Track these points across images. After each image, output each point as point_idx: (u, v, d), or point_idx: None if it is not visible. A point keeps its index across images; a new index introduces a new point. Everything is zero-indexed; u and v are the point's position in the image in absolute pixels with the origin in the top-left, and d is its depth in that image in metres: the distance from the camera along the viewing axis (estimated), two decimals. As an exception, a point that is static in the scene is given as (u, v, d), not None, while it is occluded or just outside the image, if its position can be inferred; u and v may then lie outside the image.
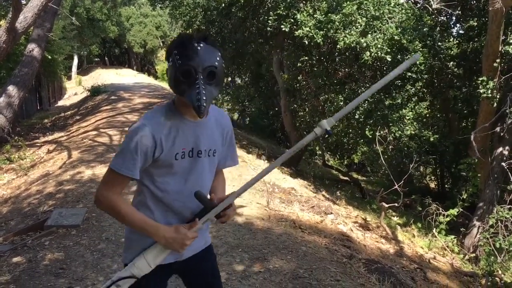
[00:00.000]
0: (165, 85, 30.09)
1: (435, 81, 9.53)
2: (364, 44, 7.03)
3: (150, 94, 20.61)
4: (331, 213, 6.88)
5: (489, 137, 9.40)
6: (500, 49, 7.73)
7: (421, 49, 7.82)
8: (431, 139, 8.68)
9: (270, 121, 17.18)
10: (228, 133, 1.95)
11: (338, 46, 7.18)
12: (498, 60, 7.76)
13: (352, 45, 7.16)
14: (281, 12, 8.10)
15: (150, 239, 1.77)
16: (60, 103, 24.58)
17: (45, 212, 5.90)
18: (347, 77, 8.86)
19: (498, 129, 8.99)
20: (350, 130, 9.07)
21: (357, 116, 8.34)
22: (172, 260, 1.86)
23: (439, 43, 8.47)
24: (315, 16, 7.62)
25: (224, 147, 1.95)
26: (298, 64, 9.17)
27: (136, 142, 1.66)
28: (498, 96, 7.80)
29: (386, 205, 7.88)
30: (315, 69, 8.95)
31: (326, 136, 12.54)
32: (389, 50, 7.15)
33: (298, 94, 10.28)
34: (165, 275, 1.93)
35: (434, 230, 8.63)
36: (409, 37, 7.32)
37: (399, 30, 7.18)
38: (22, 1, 9.88)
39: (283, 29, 8.08)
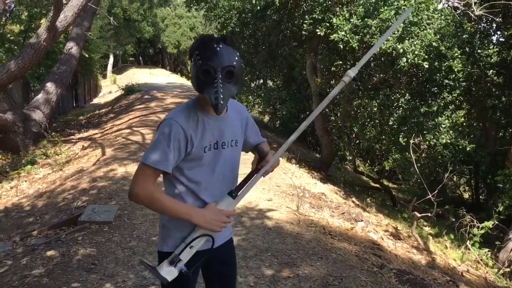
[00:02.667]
0: (197, 86, 30.27)
1: (473, 89, 9.28)
2: (401, 50, 6.90)
3: (182, 95, 20.82)
4: (362, 220, 6.77)
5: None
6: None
7: (459, 56, 7.64)
8: (467, 148, 8.45)
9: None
10: (245, 117, 2.08)
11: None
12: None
13: (389, 51, 7.04)
14: (316, 16, 8.05)
15: (188, 226, 1.86)
16: (95, 100, 25.14)
17: (79, 208, 6.03)
18: (381, 83, 8.73)
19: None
20: (383, 137, 8.92)
21: (391, 123, 8.20)
22: (207, 247, 1.92)
23: (479, 51, 8.25)
24: (351, 20, 7.53)
25: (246, 128, 2.09)
26: (332, 69, 9.09)
27: (170, 138, 1.76)
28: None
29: (419, 215, 7.70)
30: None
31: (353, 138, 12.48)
32: (426, 56, 7.00)
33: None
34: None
35: (467, 243, 8.40)
36: (448, 44, 7.15)
37: (438, 37, 7.01)
38: (63, 1, 10.11)
39: (318, 33, 8.02)
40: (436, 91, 8.27)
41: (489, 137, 12.88)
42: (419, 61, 6.89)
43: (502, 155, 12.59)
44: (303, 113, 16.39)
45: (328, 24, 8.08)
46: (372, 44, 7.29)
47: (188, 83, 31.63)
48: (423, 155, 9.99)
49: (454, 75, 7.93)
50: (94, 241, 4.79)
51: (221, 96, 1.68)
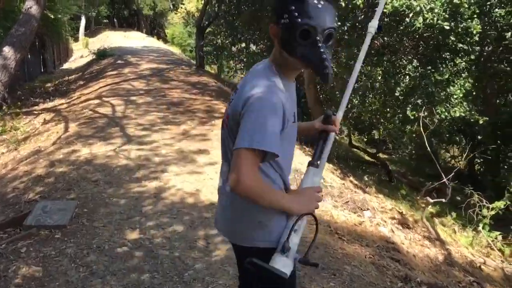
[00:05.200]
0: (174, 49, 28.76)
1: (485, 54, 8.25)
2: (417, 8, 5.79)
3: (159, 59, 19.40)
4: (368, 209, 5.83)
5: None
6: None
7: (477, 15, 6.58)
8: (480, 121, 7.49)
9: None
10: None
11: (384, 10, 5.96)
12: None
13: (401, 9, 5.92)
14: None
15: (283, 217, 1.67)
16: (66, 65, 23.41)
17: (30, 202, 4.90)
18: (384, 47, 7.64)
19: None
20: (387, 109, 7.90)
21: (397, 93, 7.16)
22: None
23: (496, 9, 7.17)
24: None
25: None
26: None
27: (277, 116, 1.55)
28: None
29: (431, 200, 6.79)
30: (346, 37, 7.71)
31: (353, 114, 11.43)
32: (447, 16, 5.90)
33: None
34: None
35: (479, 226, 7.58)
36: (467, 1, 6.03)
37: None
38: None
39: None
40: (448, 56, 7.23)
41: (490, 105, 12.02)
42: (439, 21, 5.79)
43: (503, 125, 11.75)
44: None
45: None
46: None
47: (165, 46, 29.93)
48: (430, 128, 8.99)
49: (469, 38, 6.88)
50: (42, 254, 3.70)
51: (330, 65, 1.50)
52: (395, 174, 11.87)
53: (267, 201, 1.57)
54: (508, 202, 7.87)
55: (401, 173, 12.70)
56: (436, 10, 5.70)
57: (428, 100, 6.98)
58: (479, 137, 13.54)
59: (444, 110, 6.97)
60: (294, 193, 1.70)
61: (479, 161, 14.34)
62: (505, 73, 8.46)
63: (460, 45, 7.02)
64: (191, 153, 6.68)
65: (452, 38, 6.92)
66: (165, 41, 38.38)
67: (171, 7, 41.28)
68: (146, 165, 5.98)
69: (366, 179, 9.21)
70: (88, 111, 9.19)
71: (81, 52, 27.09)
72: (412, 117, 7.01)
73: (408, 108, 7.09)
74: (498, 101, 13.16)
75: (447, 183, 6.55)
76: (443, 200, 6.80)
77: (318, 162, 1.74)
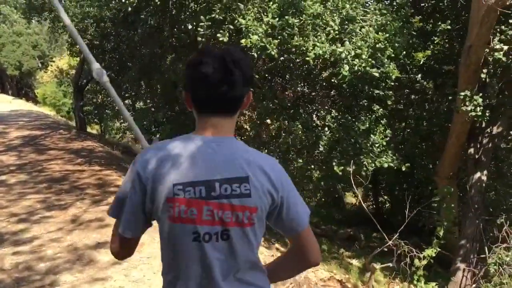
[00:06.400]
0: (48, 111, 26.19)
1: (399, 98, 8.00)
2: (343, 55, 5.16)
3: (31, 125, 17.11)
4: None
5: (457, 161, 8.14)
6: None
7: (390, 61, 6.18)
8: (403, 168, 7.06)
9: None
10: None
11: (307, 58, 5.24)
12: (485, 70, 6.42)
13: (326, 56, 5.25)
14: (217, 16, 5.97)
15: None
16: None
17: None
18: (298, 98, 6.98)
19: (471, 150, 7.73)
20: (312, 166, 7.16)
21: (321, 148, 6.45)
22: None
23: (413, 52, 6.89)
24: (266, 20, 5.62)
25: None
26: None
27: None
28: (488, 113, 6.40)
29: (377, 267, 6.06)
30: (258, 90, 6.93)
31: None
32: (373, 62, 5.35)
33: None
34: None
35: (414, 279, 7.02)
36: (396, 44, 5.58)
37: (385, 35, 5.39)
38: None
39: (221, 38, 5.96)
40: (365, 103, 6.76)
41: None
42: (367, 68, 5.21)
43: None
44: (182, 133, 14.15)
45: (231, 27, 6.06)
46: (301, 49, 5.43)
47: (37, 108, 27.17)
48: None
49: (384, 84, 6.48)
50: None
51: None
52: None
53: None
54: (438, 249, 7.44)
55: (314, 223, 12.10)
56: (364, 56, 5.13)
57: (354, 153, 6.38)
58: (380, 177, 13.51)
59: (370, 161, 6.39)
60: None
61: (385, 201, 14.32)
62: (427, 117, 8.31)
63: (377, 91, 6.59)
64: (88, 248, 5.19)
65: (367, 85, 6.48)
66: (36, 102, 35.25)
67: (39, 65, 38.37)
68: (28, 278, 4.43)
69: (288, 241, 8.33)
70: None
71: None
72: (339, 172, 6.32)
73: (334, 163, 6.41)
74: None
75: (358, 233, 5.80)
76: (390, 264, 6.07)
77: None
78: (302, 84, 6.85)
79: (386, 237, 6.17)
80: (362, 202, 15.54)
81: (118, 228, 1.43)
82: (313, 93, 6.97)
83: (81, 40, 1.95)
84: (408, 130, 8.61)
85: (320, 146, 6.45)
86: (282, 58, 5.99)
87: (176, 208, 1.32)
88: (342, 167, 6.31)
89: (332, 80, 6.67)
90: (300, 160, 6.70)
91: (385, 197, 14.26)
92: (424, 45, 7.00)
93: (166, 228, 1.36)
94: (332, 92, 7.14)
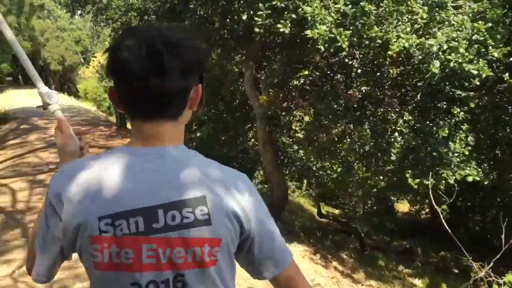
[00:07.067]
0: (88, 105, 26.23)
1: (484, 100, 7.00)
2: (434, 48, 4.31)
3: (72, 120, 16.61)
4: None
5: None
6: None
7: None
8: (486, 182, 6.13)
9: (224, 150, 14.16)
10: None
11: (389, 51, 4.42)
12: None
13: (411, 51, 4.40)
14: (278, 3, 5.22)
15: None
16: (-42, 133, 20.05)
17: None
18: (365, 99, 6.13)
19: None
20: (381, 177, 6.31)
21: (392, 157, 5.59)
22: None
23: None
24: (336, 7, 4.84)
25: None
26: (295, 82, 6.31)
27: None
28: None
29: None
30: (317, 88, 6.14)
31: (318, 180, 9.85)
32: (471, 57, 4.46)
33: (283, 121, 7.38)
34: None
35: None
36: (498, 36, 4.66)
37: (486, 25, 4.48)
38: None
39: (281, 29, 5.22)
40: (444, 106, 5.87)
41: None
42: (463, 64, 4.31)
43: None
44: (225, 134, 13.47)
45: (294, 16, 5.30)
46: (381, 41, 4.60)
47: (78, 103, 27.26)
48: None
49: (468, 83, 5.56)
50: None
51: None
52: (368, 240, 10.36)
53: None
54: (520, 271, 6.48)
55: (365, 232, 11.24)
56: (461, 50, 4.25)
57: (432, 163, 5.49)
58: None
59: (451, 173, 5.50)
60: None
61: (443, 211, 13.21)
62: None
63: (459, 92, 5.69)
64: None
65: (449, 85, 5.58)
66: (77, 97, 35.66)
67: (82, 60, 38.82)
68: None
69: (345, 256, 7.54)
70: (-25, 205, 6.75)
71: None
72: (416, 186, 5.46)
73: (408, 175, 5.55)
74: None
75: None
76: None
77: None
78: (371, 83, 5.99)
79: (474, 264, 5.25)
80: (416, 212, 14.52)
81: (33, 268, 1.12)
82: (379, 93, 6.12)
83: (25, 56, 1.51)
84: (482, 136, 7.58)
85: (392, 154, 5.59)
86: (354, 51, 5.16)
87: (105, 251, 0.99)
88: (418, 180, 5.44)
89: (400, 78, 5.82)
90: (365, 169, 5.87)
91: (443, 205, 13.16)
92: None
93: (94, 278, 1.04)
94: (402, 91, 6.25)
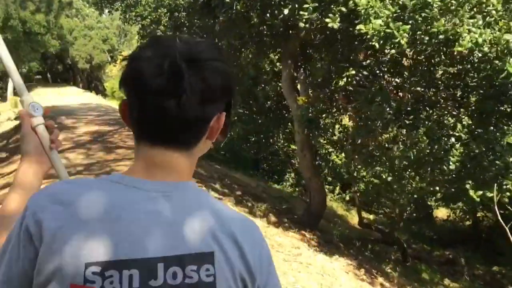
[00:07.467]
0: (116, 105, 26.17)
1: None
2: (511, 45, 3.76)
3: (99, 120, 16.75)
4: None
5: None
6: None
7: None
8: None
9: (253, 151, 13.71)
10: None
11: (459, 48, 3.89)
12: None
13: (483, 49, 3.86)
14: (325, -5, 4.73)
15: None
16: (-11, 131, 20.17)
17: None
18: (419, 101, 5.58)
19: None
20: (436, 188, 5.76)
21: (451, 166, 5.04)
22: None
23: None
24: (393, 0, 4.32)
25: None
26: (340, 83, 5.81)
27: None
28: None
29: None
30: (364, 88, 5.63)
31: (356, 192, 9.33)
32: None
33: (324, 125, 6.87)
34: None
35: None
36: None
37: None
38: None
39: (330, 24, 4.73)
40: (508, 109, 5.29)
41: None
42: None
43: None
44: (257, 135, 13.00)
45: (344, 9, 4.81)
46: (447, 36, 4.05)
47: (105, 102, 27.23)
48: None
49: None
50: None
51: None
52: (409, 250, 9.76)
53: None
54: None
55: (404, 240, 10.63)
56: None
57: (496, 173, 4.92)
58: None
59: (516, 184, 4.91)
60: None
61: (484, 217, 12.46)
62: None
63: (525, 93, 5.09)
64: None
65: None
66: (104, 95, 35.78)
67: (109, 59, 38.99)
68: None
69: (389, 270, 6.99)
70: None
71: (8, 114, 23.89)
72: (478, 199, 4.90)
73: (468, 186, 4.99)
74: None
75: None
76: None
77: None
78: (423, 83, 5.44)
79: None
80: (457, 219, 13.75)
81: None
82: (432, 95, 5.55)
83: (14, 66, 1.29)
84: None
85: (451, 163, 5.03)
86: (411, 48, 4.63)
87: None
88: (481, 192, 4.87)
89: (456, 78, 5.24)
90: (418, 179, 5.32)
91: (485, 211, 12.41)
92: None
93: None
94: (457, 93, 5.67)
